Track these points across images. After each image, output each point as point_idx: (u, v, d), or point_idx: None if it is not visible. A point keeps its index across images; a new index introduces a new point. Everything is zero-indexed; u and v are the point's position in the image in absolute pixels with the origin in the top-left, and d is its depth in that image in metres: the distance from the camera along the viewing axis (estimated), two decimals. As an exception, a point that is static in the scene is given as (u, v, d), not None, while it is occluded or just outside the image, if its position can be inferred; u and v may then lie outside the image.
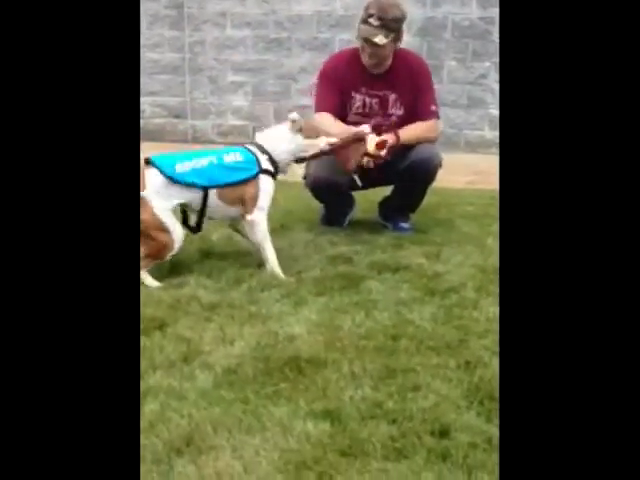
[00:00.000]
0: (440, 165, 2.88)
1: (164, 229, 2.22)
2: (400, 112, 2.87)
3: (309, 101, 5.38)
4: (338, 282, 2.27)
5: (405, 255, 2.58)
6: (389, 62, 2.83)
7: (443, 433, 1.41)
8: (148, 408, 1.48)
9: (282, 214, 3.10)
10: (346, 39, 4.95)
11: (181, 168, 2.28)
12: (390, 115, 2.88)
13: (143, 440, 1.36)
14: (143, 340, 1.81)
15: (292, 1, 5.30)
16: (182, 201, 2.31)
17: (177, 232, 2.25)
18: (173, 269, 2.39)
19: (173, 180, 2.26)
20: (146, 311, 1.99)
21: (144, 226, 2.16)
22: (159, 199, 2.23)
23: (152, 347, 1.78)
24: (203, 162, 2.31)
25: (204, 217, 2.37)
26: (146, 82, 5.45)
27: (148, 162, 2.28)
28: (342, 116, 2.83)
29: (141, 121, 5.48)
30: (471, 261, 2.51)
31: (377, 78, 2.84)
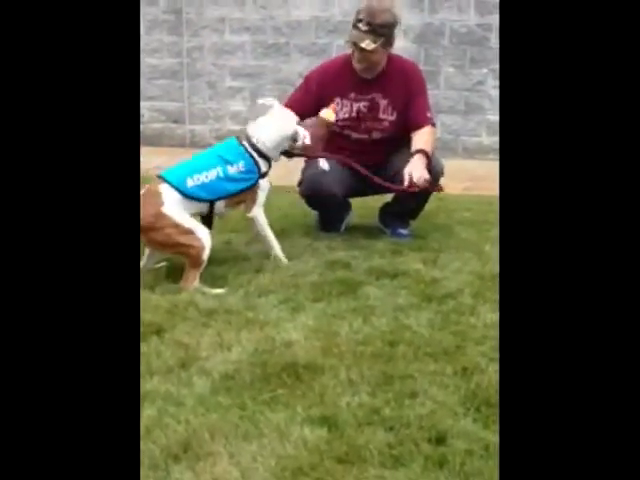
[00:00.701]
0: (442, 173, 2.90)
1: (189, 232, 2.33)
2: (392, 118, 2.88)
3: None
4: (336, 287, 2.27)
5: (403, 261, 2.59)
6: (380, 67, 2.84)
7: (440, 440, 1.41)
8: (145, 414, 1.48)
9: (280, 219, 3.10)
10: (344, 45, 4.96)
11: (192, 183, 2.39)
12: (382, 120, 2.88)
13: (140, 446, 1.36)
14: (141, 345, 1.81)
15: (290, 7, 5.31)
16: (194, 211, 2.44)
17: (202, 230, 2.36)
18: (170, 275, 2.39)
19: (185, 195, 2.38)
20: (144, 316, 1.98)
21: (172, 238, 2.31)
22: (177, 209, 2.35)
23: (150, 352, 1.78)
24: (211, 176, 2.41)
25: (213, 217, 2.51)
26: (145, 87, 5.45)
27: (160, 178, 2.41)
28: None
29: (140, 126, 5.49)
30: (469, 267, 2.52)
31: (368, 82, 2.85)
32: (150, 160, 4.77)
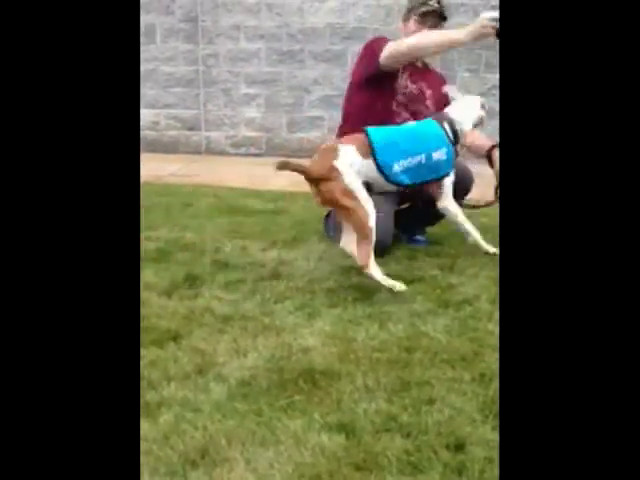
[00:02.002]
0: (473, 181, 2.89)
1: (352, 196, 2.26)
2: (433, 110, 2.88)
3: (321, 112, 5.41)
4: (352, 293, 2.27)
5: (419, 267, 2.58)
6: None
7: (459, 447, 1.40)
8: (162, 419, 1.49)
9: (294, 225, 3.11)
10: (359, 51, 4.98)
11: (398, 168, 2.36)
12: (427, 107, 2.89)
13: (157, 452, 1.37)
14: (157, 352, 1.82)
15: (305, 13, 5.34)
16: (366, 180, 2.36)
17: (365, 198, 2.28)
18: (187, 280, 2.40)
19: (387, 179, 2.35)
20: (161, 323, 2.00)
21: (334, 196, 2.24)
22: (349, 172, 2.28)
23: (167, 359, 1.79)
24: (415, 161, 2.38)
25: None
26: (161, 95, 5.51)
27: (364, 133, 2.37)
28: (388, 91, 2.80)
29: (156, 133, 5.53)
30: (485, 272, 2.50)
31: (416, 69, 2.88)
32: (165, 167, 4.82)
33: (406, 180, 2.39)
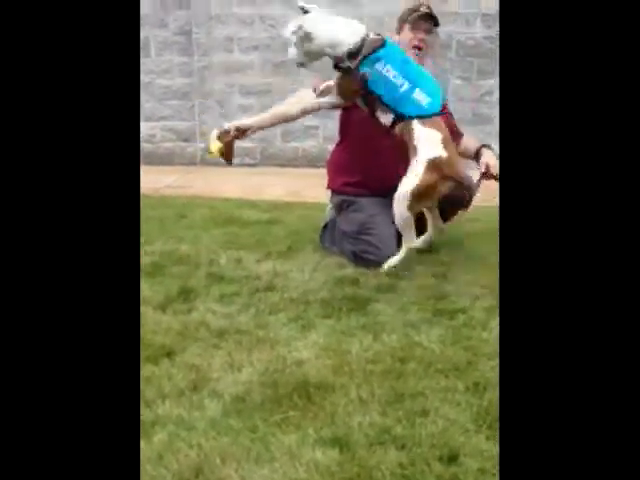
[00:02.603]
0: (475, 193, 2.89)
1: None
2: None
3: (315, 122, 5.43)
4: (345, 304, 2.27)
5: (412, 275, 2.58)
6: None
7: (452, 458, 1.40)
8: (157, 438, 1.49)
9: (289, 235, 3.11)
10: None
11: None
12: None
13: (151, 471, 1.37)
14: (152, 369, 1.82)
15: (297, 24, 5.37)
16: None
17: None
18: (182, 294, 2.40)
19: None
20: (155, 339, 2.00)
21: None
22: None
23: (161, 376, 1.79)
24: None
25: None
26: (157, 107, 5.53)
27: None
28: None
29: (152, 146, 5.55)
30: (480, 280, 2.50)
31: None
32: (161, 179, 4.84)
33: None
